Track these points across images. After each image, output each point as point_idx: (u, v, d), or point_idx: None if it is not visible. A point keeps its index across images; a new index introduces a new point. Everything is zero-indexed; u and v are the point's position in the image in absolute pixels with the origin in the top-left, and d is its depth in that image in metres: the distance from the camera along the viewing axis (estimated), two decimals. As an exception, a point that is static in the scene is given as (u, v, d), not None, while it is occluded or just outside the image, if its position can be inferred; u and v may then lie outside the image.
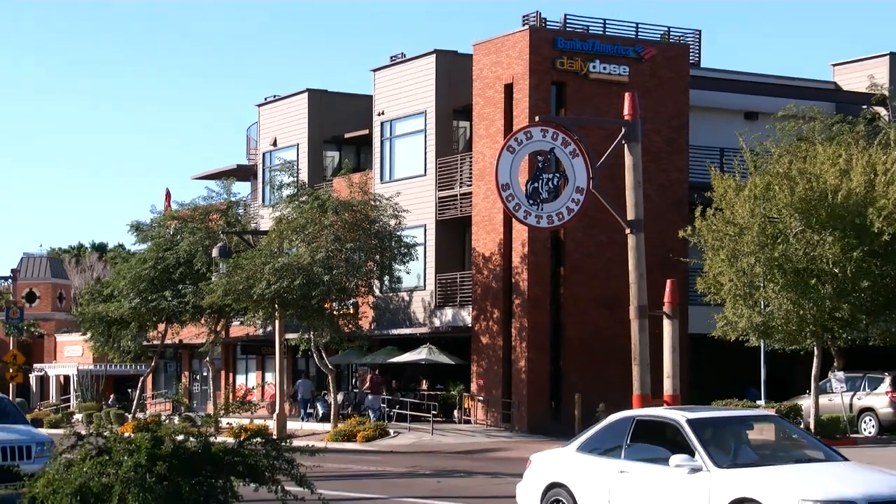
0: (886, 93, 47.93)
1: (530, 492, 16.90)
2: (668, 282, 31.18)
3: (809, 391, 37.10)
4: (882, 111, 47.49)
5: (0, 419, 22.31)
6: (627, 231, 30.57)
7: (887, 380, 39.20)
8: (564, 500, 16.12)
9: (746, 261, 35.14)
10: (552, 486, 16.36)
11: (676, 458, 14.73)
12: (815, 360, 36.72)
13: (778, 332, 35.96)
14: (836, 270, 34.33)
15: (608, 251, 41.72)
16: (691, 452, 14.74)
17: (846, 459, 15.62)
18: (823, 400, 37.27)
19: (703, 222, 36.11)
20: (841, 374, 38.75)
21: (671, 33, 48.17)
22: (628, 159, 30.62)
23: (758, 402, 37.73)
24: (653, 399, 30.21)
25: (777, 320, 35.45)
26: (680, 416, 15.61)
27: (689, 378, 36.42)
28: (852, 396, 38.77)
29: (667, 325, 30.71)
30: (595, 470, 15.86)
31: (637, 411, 17.63)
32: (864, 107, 47.19)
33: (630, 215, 30.54)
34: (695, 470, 14.56)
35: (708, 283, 36.62)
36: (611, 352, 41.63)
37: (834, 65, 53.05)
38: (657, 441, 15.56)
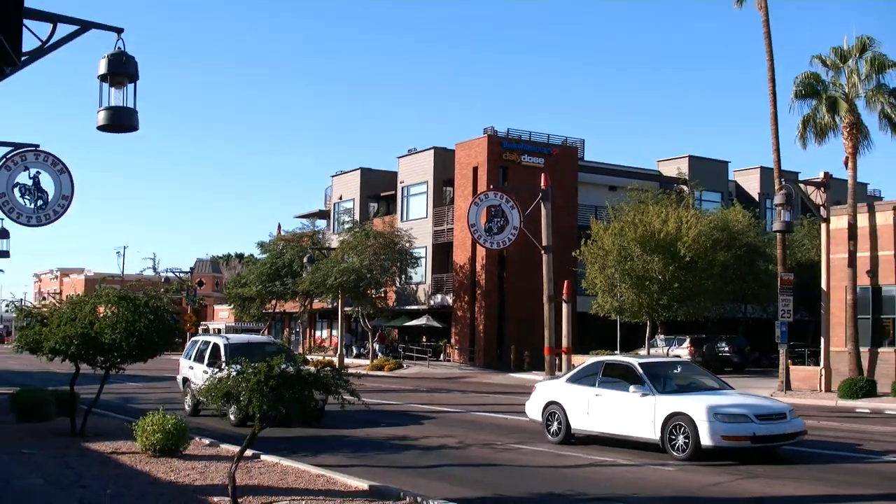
0: (687, 178, 48.11)
1: (535, 406, 16.03)
2: (566, 282, 31.07)
3: (644, 346, 36.93)
4: (685, 188, 47.52)
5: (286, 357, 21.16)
6: (543, 252, 30.40)
7: (687, 340, 39.29)
8: (558, 412, 15.37)
9: (609, 271, 35.01)
10: (550, 403, 15.61)
11: (633, 387, 14.11)
12: (647, 328, 36.59)
13: (627, 312, 35.81)
14: (660, 277, 34.24)
15: (532, 263, 41.44)
16: (642, 383, 14.10)
17: (732, 388, 15.08)
18: (653, 351, 37.07)
19: (585, 248, 36.00)
20: (662, 337, 38.74)
21: (568, 140, 48.04)
22: (543, 211, 30.49)
23: (615, 352, 37.50)
24: (556, 348, 30.02)
25: (626, 305, 35.32)
26: (634, 361, 14.87)
27: (576, 337, 36.13)
28: (668, 349, 38.60)
29: (564, 307, 30.57)
30: (578, 393, 15.12)
31: (606, 357, 16.58)
32: (675, 185, 47.15)
33: (544, 242, 30.41)
34: (645, 394, 13.95)
35: (588, 283, 36.46)
36: (532, 321, 41.44)
37: (659, 160, 53.02)
38: (619, 376, 14.79)
